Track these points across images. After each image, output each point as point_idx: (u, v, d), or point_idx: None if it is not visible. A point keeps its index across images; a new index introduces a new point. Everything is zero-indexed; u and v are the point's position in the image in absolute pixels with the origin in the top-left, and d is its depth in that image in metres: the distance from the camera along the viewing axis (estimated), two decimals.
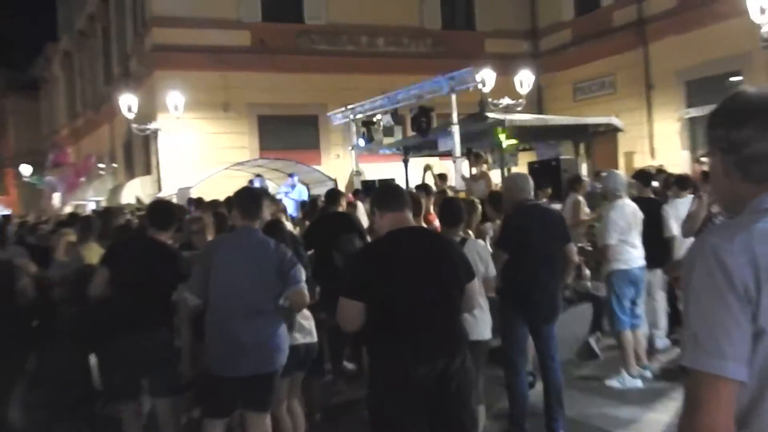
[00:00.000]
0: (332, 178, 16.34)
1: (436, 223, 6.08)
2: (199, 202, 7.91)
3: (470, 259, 3.58)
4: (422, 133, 12.07)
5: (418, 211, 4.94)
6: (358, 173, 15.81)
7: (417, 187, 8.77)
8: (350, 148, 15.94)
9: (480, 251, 4.10)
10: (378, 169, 17.92)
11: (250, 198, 3.63)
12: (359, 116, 15.07)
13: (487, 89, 14.16)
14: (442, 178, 10.53)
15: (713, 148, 1.26)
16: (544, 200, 8.85)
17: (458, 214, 4.14)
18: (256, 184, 13.30)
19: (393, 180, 14.95)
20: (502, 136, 12.02)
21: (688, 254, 1.19)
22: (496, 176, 11.29)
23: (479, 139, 12.71)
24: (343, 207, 6.18)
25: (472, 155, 9.93)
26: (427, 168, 10.90)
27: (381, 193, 2.98)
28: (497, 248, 4.40)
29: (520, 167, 13.59)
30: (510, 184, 4.60)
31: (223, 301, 3.39)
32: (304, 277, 3.50)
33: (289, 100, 18.57)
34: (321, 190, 15.31)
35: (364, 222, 6.69)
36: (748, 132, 1.19)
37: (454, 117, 11.77)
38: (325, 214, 6.26)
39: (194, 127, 18.10)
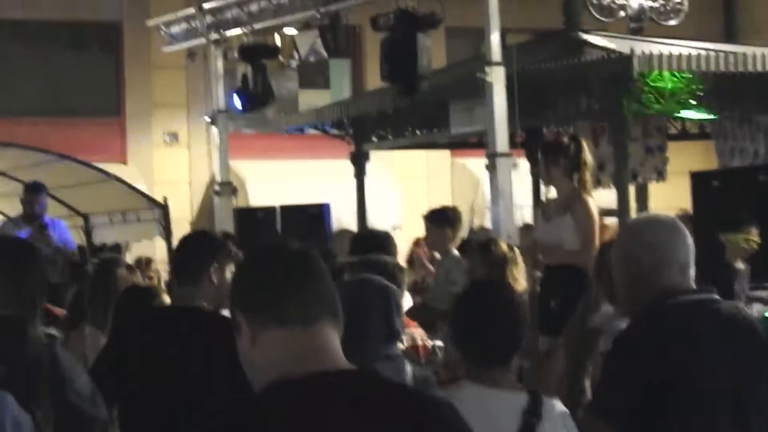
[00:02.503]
0: (157, 200, 16.26)
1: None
2: None
3: None
4: (404, 84, 12.16)
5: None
6: (227, 187, 15.58)
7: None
8: (207, 118, 16.07)
9: None
10: (287, 178, 18.31)
11: None
12: (233, 32, 15.19)
13: None
14: (440, 218, 10.44)
15: None
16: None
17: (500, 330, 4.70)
18: None
19: (324, 208, 14.63)
20: (628, 98, 12.02)
21: None
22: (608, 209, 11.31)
23: (561, 102, 12.81)
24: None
25: (545, 148, 10.23)
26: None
27: (249, 268, 3.22)
28: (590, 415, 4.80)
29: (672, 182, 13.67)
30: (632, 249, 4.89)
31: None
32: None
33: None
34: (124, 235, 14.85)
35: None
36: None
37: (493, 42, 11.65)
38: (141, 315, 6.86)
39: None
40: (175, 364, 5.98)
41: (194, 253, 6.54)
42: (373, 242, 8.35)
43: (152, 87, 19.65)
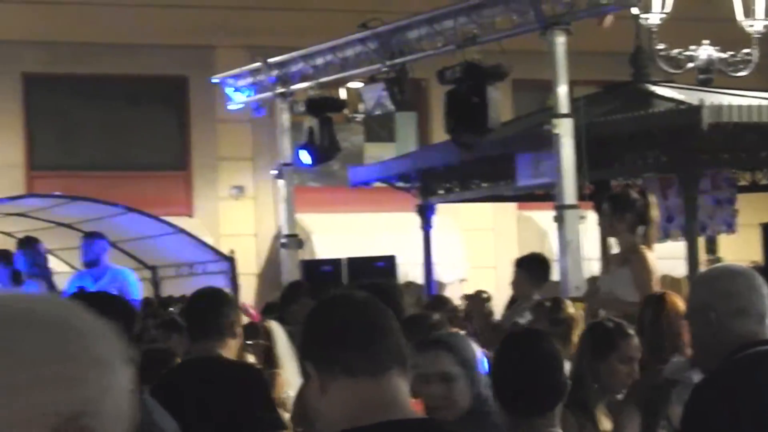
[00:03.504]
0: (224, 253, 16.45)
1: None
2: None
3: None
4: (468, 137, 12.27)
5: None
6: (293, 240, 15.77)
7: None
8: (274, 171, 16.20)
9: None
10: (352, 230, 18.50)
11: None
12: (299, 86, 15.35)
13: (654, 20, 14.05)
14: (519, 262, 10.52)
15: None
16: None
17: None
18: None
19: (390, 260, 14.68)
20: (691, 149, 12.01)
21: None
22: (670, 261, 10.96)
23: (629, 154, 12.83)
24: (230, 348, 6.80)
25: (613, 200, 10.06)
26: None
27: (317, 320, 3.21)
28: None
29: (743, 234, 13.65)
30: (708, 297, 4.83)
31: None
32: None
33: (106, 36, 19.10)
34: (187, 286, 15.00)
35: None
36: None
37: (561, 94, 11.76)
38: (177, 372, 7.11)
39: None
40: (202, 410, 6.28)
41: (211, 309, 6.80)
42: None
43: (218, 141, 19.83)
